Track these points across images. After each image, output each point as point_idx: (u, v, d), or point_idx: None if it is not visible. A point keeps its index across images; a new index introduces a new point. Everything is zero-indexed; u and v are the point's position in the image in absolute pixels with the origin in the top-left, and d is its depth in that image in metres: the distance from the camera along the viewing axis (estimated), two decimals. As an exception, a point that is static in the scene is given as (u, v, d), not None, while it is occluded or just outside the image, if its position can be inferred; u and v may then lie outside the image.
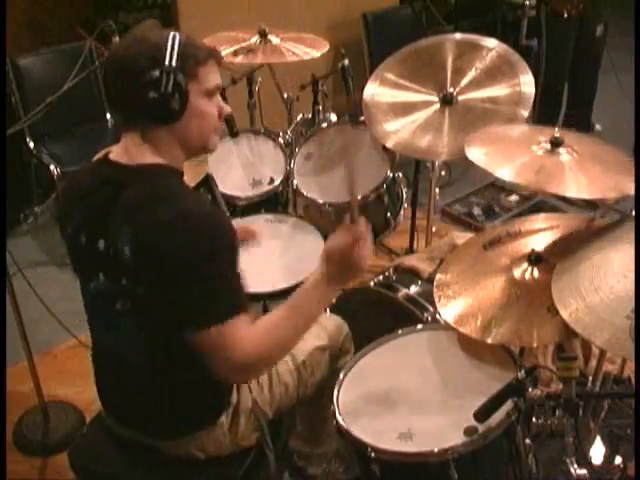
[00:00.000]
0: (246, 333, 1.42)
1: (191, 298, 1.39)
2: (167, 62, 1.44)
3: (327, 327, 1.94)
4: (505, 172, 1.82)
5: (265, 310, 2.36)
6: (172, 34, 1.46)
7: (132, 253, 1.41)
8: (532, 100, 2.26)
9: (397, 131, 2.32)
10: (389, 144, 2.31)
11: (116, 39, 2.21)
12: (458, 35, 2.48)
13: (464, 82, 2.37)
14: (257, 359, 1.45)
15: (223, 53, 2.62)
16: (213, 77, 1.52)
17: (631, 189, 1.72)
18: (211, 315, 1.40)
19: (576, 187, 1.77)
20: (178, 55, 1.45)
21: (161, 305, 1.43)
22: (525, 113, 2.25)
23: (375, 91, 2.43)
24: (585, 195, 1.78)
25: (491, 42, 2.42)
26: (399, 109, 2.37)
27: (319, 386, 1.91)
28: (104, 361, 1.69)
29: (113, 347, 1.61)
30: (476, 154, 1.92)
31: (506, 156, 1.90)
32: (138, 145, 1.50)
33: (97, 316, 1.62)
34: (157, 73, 1.43)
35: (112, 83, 1.49)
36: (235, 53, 2.63)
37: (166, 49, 1.44)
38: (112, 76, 1.49)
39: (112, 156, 1.54)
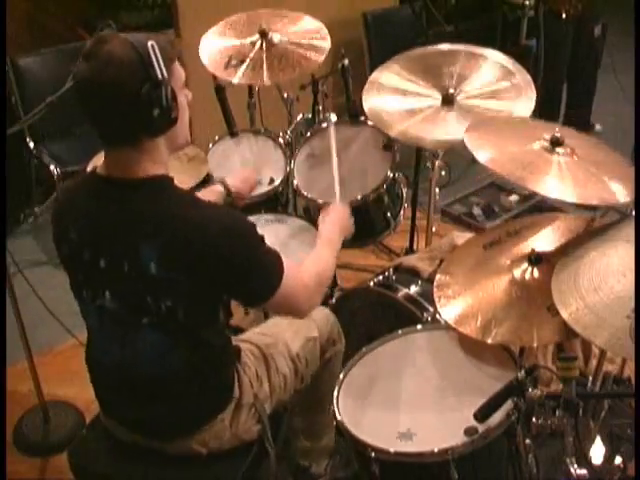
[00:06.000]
0: (300, 273, 1.63)
1: (255, 278, 1.53)
2: (158, 75, 1.40)
3: (316, 319, 1.96)
4: (486, 156, 1.81)
5: (265, 313, 2.35)
6: (146, 44, 1.39)
7: (167, 269, 1.45)
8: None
9: (398, 119, 2.32)
10: (392, 133, 2.31)
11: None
12: (465, 47, 2.47)
13: (467, 89, 2.36)
14: (318, 284, 1.69)
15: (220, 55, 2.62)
16: (181, 68, 1.51)
17: (616, 200, 1.72)
18: (274, 282, 1.54)
19: (558, 189, 1.75)
20: (161, 64, 1.40)
21: (218, 299, 1.59)
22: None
23: (380, 77, 2.43)
24: (566, 198, 1.75)
25: (498, 56, 2.41)
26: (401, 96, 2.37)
27: (313, 378, 1.94)
28: (112, 373, 1.65)
29: (127, 359, 1.59)
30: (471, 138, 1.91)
31: (498, 143, 1.88)
32: (134, 159, 1.47)
33: (108, 331, 1.59)
34: (149, 90, 1.39)
35: (98, 109, 1.43)
36: (235, 66, 2.59)
37: (148, 61, 1.38)
38: (97, 102, 1.42)
39: (105, 171, 1.51)
